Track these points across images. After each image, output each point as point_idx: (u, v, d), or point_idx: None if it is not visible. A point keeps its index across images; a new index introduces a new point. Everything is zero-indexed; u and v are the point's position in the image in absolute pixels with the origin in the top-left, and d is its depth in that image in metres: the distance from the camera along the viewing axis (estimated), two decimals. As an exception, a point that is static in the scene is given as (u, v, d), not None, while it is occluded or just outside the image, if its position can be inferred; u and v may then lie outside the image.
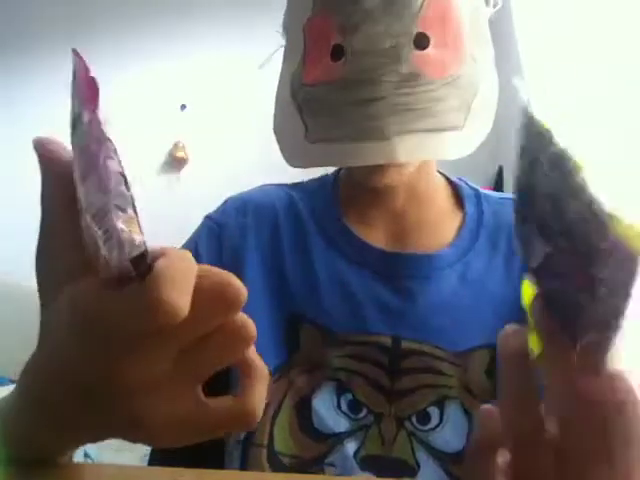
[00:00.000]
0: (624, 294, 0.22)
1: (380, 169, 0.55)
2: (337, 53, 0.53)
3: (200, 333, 0.26)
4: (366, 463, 0.53)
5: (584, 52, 1.57)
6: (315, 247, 0.61)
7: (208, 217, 0.67)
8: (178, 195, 2.74)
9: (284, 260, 0.62)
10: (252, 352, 0.28)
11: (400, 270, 0.58)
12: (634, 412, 0.23)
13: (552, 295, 0.25)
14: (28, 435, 0.30)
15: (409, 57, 0.52)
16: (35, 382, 0.28)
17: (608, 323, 0.23)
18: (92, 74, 0.25)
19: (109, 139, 0.25)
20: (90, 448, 1.72)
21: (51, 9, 2.76)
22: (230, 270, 0.62)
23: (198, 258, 0.62)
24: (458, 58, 0.54)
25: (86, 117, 0.24)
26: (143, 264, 0.23)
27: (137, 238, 0.23)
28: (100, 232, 0.23)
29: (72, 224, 0.26)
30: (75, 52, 0.27)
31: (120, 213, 0.23)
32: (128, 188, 0.24)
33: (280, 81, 0.61)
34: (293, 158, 0.58)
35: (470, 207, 0.64)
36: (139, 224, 0.23)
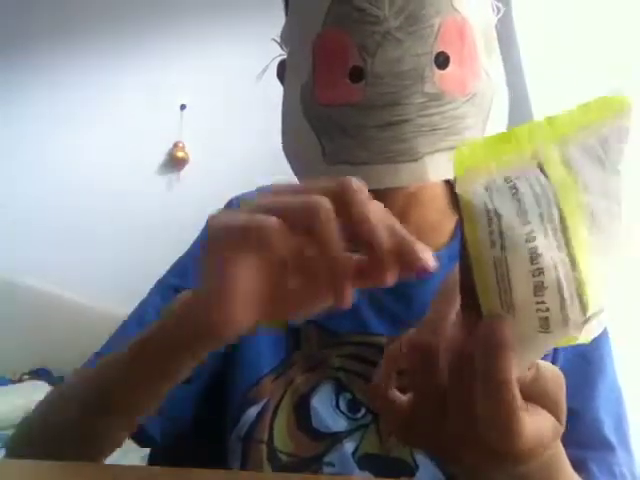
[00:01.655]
0: None
1: (399, 188, 0.55)
2: (356, 75, 0.52)
3: None
4: (364, 462, 0.53)
5: (584, 53, 1.57)
6: None
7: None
8: (178, 195, 2.74)
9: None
10: None
11: None
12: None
13: None
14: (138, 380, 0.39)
15: (432, 77, 0.52)
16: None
17: None
18: None
19: None
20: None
21: (50, 9, 2.76)
22: None
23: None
24: (475, 75, 0.54)
25: None
26: None
27: None
28: None
29: None
30: None
31: None
32: None
33: (286, 93, 0.60)
34: (310, 178, 0.57)
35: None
36: None
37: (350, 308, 0.58)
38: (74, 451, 0.43)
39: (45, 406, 0.50)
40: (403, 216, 0.61)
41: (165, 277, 0.65)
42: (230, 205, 0.67)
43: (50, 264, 2.57)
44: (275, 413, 0.56)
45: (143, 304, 0.62)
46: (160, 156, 2.78)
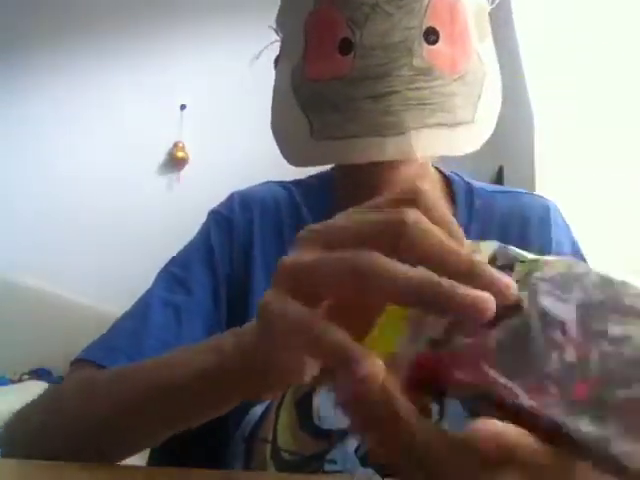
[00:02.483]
0: None
1: (387, 164, 0.54)
2: (345, 47, 0.53)
3: None
4: (367, 459, 0.53)
5: (585, 51, 1.56)
6: None
7: (215, 212, 0.67)
8: (178, 195, 2.74)
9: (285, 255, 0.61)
10: None
11: None
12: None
13: None
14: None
15: (420, 52, 0.52)
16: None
17: None
18: None
19: None
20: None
21: (51, 9, 2.76)
22: (240, 267, 0.64)
23: (211, 252, 0.63)
24: (466, 54, 0.54)
25: None
26: None
27: None
28: None
29: None
30: None
31: None
32: None
33: (278, 77, 0.60)
34: (297, 157, 0.57)
35: (460, 203, 0.64)
36: None
37: None
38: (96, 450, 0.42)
39: (76, 399, 0.47)
40: None
41: (167, 268, 0.64)
42: (231, 200, 0.67)
43: (50, 264, 2.57)
44: (278, 411, 0.55)
45: (147, 296, 0.61)
46: (160, 156, 2.78)
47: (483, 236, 0.61)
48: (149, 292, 0.62)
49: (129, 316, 0.60)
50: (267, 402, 0.56)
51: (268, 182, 0.70)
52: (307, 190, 0.67)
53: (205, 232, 0.66)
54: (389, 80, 0.51)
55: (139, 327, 0.57)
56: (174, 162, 2.75)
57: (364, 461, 0.53)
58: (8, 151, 2.75)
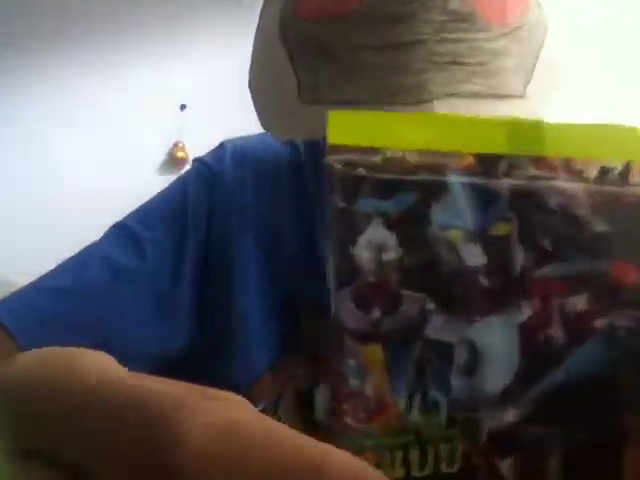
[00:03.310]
0: None
1: None
2: None
3: None
4: None
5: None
6: (319, 219, 0.49)
7: (200, 160, 0.56)
8: (178, 195, 2.74)
9: (283, 230, 0.50)
10: None
11: None
12: None
13: None
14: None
15: None
16: None
17: None
18: None
19: None
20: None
21: (51, 8, 2.75)
22: (220, 234, 0.48)
23: (183, 210, 0.52)
24: (523, 1, 0.40)
25: None
26: None
27: None
28: None
29: None
30: None
31: None
32: None
33: (263, 17, 0.45)
34: (279, 125, 0.44)
35: None
36: None
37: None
38: None
39: None
40: None
41: (125, 220, 0.53)
42: (221, 150, 0.55)
43: (50, 264, 2.56)
44: (276, 408, 0.53)
45: (89, 250, 0.51)
46: (160, 156, 2.77)
47: None
48: (93, 244, 0.52)
49: (59, 271, 0.50)
50: (264, 401, 0.53)
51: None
52: (314, 149, 0.51)
53: (182, 183, 0.54)
54: (412, 24, 0.36)
55: (67, 286, 0.48)
56: (174, 162, 2.75)
57: None
58: (8, 151, 2.74)
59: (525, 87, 0.40)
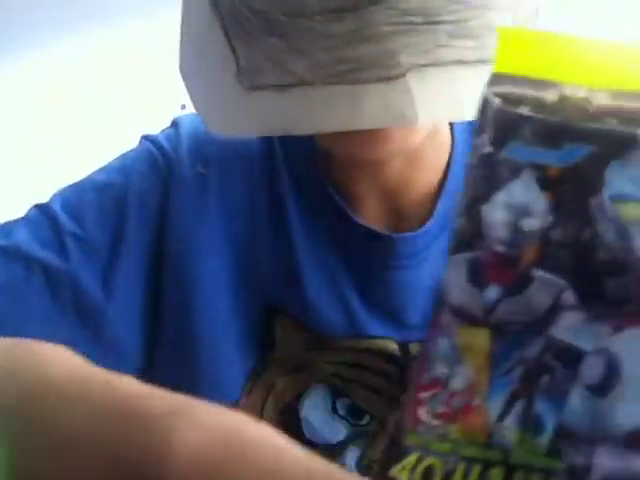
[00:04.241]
0: None
1: (379, 133, 0.32)
2: None
3: None
4: (371, 470, 0.46)
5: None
6: (295, 224, 0.42)
7: (152, 140, 0.45)
8: (178, 196, 2.72)
9: (256, 237, 0.43)
10: None
11: (394, 253, 0.42)
12: None
13: None
14: None
15: None
16: None
17: None
18: None
19: None
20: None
21: (52, 8, 2.74)
22: (178, 237, 0.39)
23: (125, 196, 0.42)
24: None
25: None
26: None
27: None
28: None
29: None
30: None
31: None
32: None
33: None
34: (216, 118, 0.36)
35: (456, 171, 0.43)
36: None
37: (341, 305, 0.42)
38: None
39: None
40: (400, 187, 0.42)
41: (52, 205, 0.42)
42: (177, 133, 0.46)
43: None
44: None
45: (11, 225, 0.41)
46: (160, 156, 2.76)
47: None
48: (10, 225, 0.41)
49: None
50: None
51: None
52: (288, 142, 0.44)
53: (125, 172, 0.43)
54: None
55: None
56: (174, 162, 2.74)
57: (368, 472, 0.47)
58: (8, 151, 2.73)
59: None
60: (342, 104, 0.29)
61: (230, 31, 0.32)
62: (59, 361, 0.16)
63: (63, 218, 0.41)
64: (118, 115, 2.76)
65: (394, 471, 0.15)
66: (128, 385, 0.16)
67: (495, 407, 0.14)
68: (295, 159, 0.43)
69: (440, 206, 0.42)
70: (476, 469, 0.14)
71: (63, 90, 2.80)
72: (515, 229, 0.14)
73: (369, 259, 0.42)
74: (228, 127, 0.35)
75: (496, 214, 0.15)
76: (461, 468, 0.14)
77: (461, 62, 0.30)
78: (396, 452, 0.15)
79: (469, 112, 0.30)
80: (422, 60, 0.29)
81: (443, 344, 0.15)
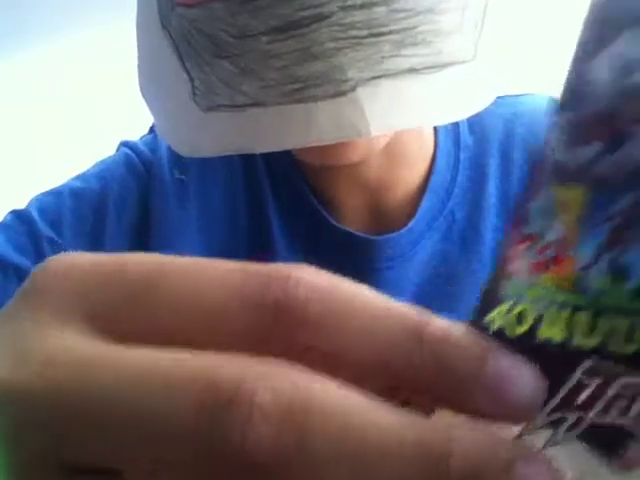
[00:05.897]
0: None
1: (326, 149, 0.32)
2: None
3: None
4: None
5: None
6: (275, 229, 0.43)
7: (130, 147, 0.45)
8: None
9: (237, 243, 0.43)
10: None
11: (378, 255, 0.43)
12: None
13: None
14: None
15: None
16: None
17: None
18: None
19: None
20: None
21: (51, 7, 2.74)
22: (157, 248, 0.39)
23: (104, 204, 0.42)
24: None
25: None
26: None
27: None
28: None
29: None
30: None
31: None
32: None
33: (140, 8, 0.38)
34: (178, 139, 0.35)
35: (441, 171, 0.42)
36: None
37: None
38: None
39: None
40: (382, 188, 0.43)
41: (29, 211, 0.42)
42: (154, 133, 0.46)
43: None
44: None
45: None
46: (161, 156, 2.76)
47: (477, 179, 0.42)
48: None
49: None
50: None
51: None
52: None
53: (102, 177, 0.43)
54: None
55: None
56: (175, 162, 2.73)
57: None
58: (8, 151, 2.73)
59: (475, 48, 0.31)
60: (296, 122, 0.30)
61: (182, 53, 0.33)
62: None
63: (40, 224, 0.41)
64: (117, 115, 2.75)
65: (488, 318, 0.15)
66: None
67: (585, 257, 0.15)
68: (275, 165, 0.43)
69: (424, 204, 0.42)
70: (564, 313, 0.15)
71: (63, 90, 2.80)
72: (621, 86, 0.14)
73: (352, 262, 0.42)
74: (190, 148, 0.35)
75: (602, 71, 0.14)
76: (551, 311, 0.15)
77: (412, 70, 0.29)
78: (491, 301, 0.15)
79: (425, 118, 0.31)
80: (371, 73, 0.29)
81: (540, 201, 0.15)
